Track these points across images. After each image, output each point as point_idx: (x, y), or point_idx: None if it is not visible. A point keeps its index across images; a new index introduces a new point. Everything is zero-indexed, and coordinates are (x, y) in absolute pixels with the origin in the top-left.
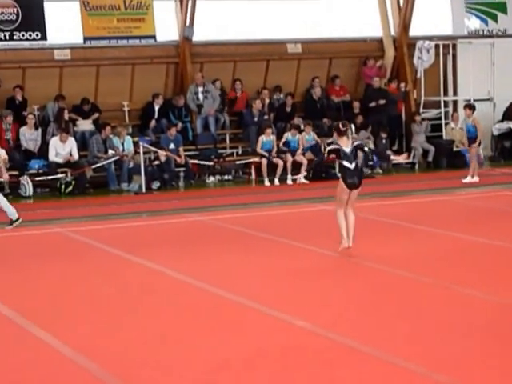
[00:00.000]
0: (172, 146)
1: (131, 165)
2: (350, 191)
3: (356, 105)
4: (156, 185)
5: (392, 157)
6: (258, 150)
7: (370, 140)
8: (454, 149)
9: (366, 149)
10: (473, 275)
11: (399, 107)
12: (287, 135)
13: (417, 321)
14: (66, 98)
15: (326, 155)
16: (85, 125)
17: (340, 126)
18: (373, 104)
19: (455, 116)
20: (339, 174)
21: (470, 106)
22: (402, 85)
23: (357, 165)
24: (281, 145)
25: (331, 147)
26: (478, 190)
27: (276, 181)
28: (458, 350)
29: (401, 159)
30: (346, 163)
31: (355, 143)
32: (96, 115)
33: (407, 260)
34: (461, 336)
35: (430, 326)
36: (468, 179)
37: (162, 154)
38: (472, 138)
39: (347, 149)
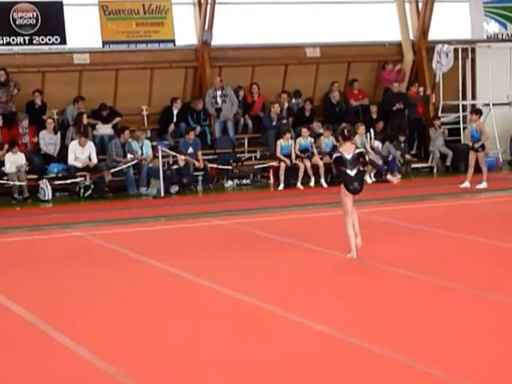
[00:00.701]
0: (191, 149)
1: (150, 164)
2: (352, 196)
3: (373, 109)
4: (174, 189)
5: (388, 177)
6: (278, 154)
7: (396, 150)
8: None
9: (367, 158)
10: (492, 279)
11: (419, 111)
12: (299, 140)
13: (437, 324)
14: (85, 100)
15: (333, 166)
16: (104, 129)
17: (345, 131)
18: (395, 107)
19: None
20: (341, 180)
21: (477, 111)
22: (421, 89)
23: (358, 171)
24: (297, 151)
25: (335, 155)
26: (496, 194)
27: (299, 184)
28: (479, 354)
29: (394, 180)
30: (347, 170)
31: (357, 150)
32: (117, 119)
33: (426, 264)
34: (481, 339)
35: (450, 330)
36: (483, 185)
37: (181, 158)
38: (476, 143)
39: (349, 155)
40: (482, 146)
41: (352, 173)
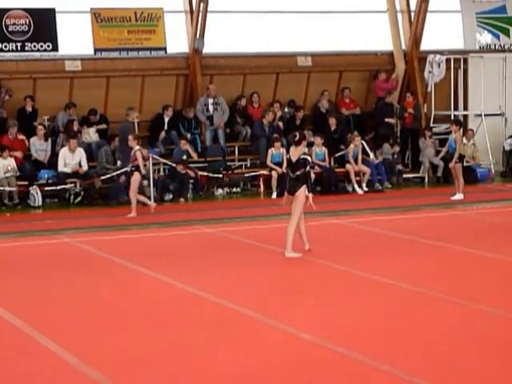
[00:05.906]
0: (184, 157)
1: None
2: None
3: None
4: (169, 196)
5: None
6: (269, 163)
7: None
8: (465, 164)
9: (308, 168)
10: (479, 289)
11: (407, 121)
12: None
13: (423, 334)
14: (76, 107)
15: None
16: (91, 136)
17: (295, 136)
18: (391, 120)
19: (469, 133)
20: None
21: (457, 122)
22: (408, 94)
23: (297, 175)
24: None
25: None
26: (488, 205)
27: None
28: (465, 364)
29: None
30: (289, 171)
31: (302, 156)
32: (103, 126)
33: (416, 274)
34: (468, 350)
35: (439, 341)
36: (457, 196)
37: (181, 167)
38: (453, 154)
39: (294, 158)
40: (460, 158)
41: (292, 175)
